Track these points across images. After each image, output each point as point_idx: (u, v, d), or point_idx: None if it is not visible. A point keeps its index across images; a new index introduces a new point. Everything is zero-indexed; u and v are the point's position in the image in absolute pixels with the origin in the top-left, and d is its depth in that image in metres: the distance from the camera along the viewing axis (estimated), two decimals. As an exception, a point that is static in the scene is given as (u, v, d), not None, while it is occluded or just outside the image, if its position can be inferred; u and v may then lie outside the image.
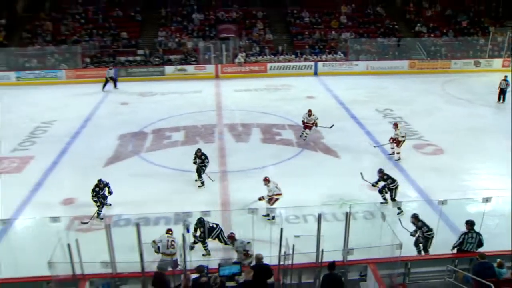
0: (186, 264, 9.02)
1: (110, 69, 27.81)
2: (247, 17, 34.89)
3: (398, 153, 16.88)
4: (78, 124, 21.22)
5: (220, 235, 11.15)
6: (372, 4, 36.93)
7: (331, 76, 30.13)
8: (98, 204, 13.09)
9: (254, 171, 15.90)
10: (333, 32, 34.12)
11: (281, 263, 8.93)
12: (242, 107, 23.46)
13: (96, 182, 13.17)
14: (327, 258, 9.14)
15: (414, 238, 10.82)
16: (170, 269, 9.50)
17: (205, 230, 11.07)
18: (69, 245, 8.90)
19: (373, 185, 13.51)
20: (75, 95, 26.35)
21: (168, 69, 30.09)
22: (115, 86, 27.42)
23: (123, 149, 18.23)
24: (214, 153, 17.37)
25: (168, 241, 10.41)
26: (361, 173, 13.98)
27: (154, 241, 10.45)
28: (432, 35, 34.30)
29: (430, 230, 10.57)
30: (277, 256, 8.92)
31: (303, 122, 18.48)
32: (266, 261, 9.04)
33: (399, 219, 11.60)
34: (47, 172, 16.32)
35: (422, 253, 10.77)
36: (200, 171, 14.85)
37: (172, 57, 31.27)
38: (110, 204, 13.56)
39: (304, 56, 31.71)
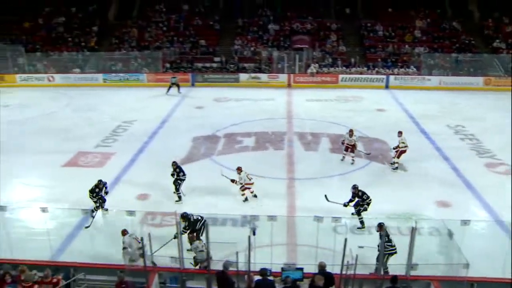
0: (249, 266, 9.05)
1: (173, 77, 28.63)
2: (321, 28, 34.74)
3: (396, 162, 16.49)
4: (156, 125, 22.00)
5: (203, 227, 11.02)
6: (448, 19, 35.60)
7: (403, 90, 29.29)
8: (97, 204, 13.30)
9: (321, 179, 15.75)
10: (407, 46, 33.21)
11: (344, 272, 8.76)
12: (313, 116, 23.32)
13: (96, 182, 13.42)
14: (390, 271, 8.86)
15: None
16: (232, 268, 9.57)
17: (190, 223, 11.27)
18: (142, 238, 9.20)
19: (345, 205, 12.74)
20: (154, 98, 27.41)
21: (243, 76, 30.52)
22: (179, 90, 28.10)
23: (196, 151, 18.67)
24: (282, 160, 17.38)
25: (203, 246, 10.20)
26: (325, 195, 13.15)
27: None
28: (511, 52, 32.51)
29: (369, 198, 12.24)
30: (340, 265, 8.77)
31: (343, 142, 17.33)
32: (328, 269, 8.91)
33: (325, 195, 12.87)
34: (126, 168, 17.02)
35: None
36: (176, 184, 14.47)
37: (246, 65, 31.71)
38: (107, 209, 13.14)
39: (376, 69, 31.09)
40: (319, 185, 15.29)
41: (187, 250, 10.49)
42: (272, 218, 10.66)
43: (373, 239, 10.74)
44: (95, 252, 11.07)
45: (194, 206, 13.47)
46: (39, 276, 9.18)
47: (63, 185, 15.84)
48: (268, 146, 19.22)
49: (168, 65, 31.64)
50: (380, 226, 10.18)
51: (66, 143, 19.79)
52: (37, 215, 12.35)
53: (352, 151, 17.02)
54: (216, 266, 9.44)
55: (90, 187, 13.40)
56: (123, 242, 10.42)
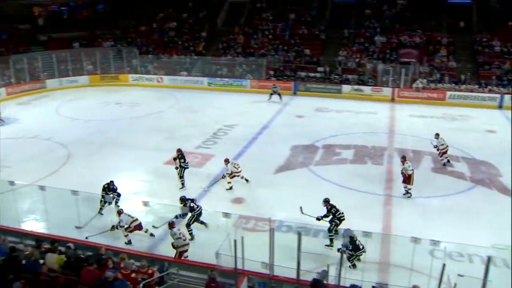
0: (339, 280, 8.90)
1: (274, 86, 28.85)
2: (431, 42, 33.33)
3: (410, 189, 15.24)
4: (256, 130, 22.43)
5: (197, 216, 12.71)
6: None
7: (519, 111, 27.22)
8: (102, 204, 13.77)
9: (419, 199, 15.09)
10: (527, 63, 30.79)
11: (440, 300, 8.32)
12: (415, 133, 22.40)
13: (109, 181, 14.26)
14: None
15: None
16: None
17: (190, 207, 12.59)
18: (235, 241, 9.39)
19: (317, 219, 12.31)
20: (256, 104, 27.96)
21: (345, 88, 30.15)
22: (280, 98, 28.29)
23: (294, 159, 18.74)
24: (381, 176, 16.90)
25: (180, 233, 11.52)
26: (300, 207, 12.69)
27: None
28: None
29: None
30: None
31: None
32: (423, 294, 8.50)
33: (300, 207, 12.52)
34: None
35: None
36: (180, 172, 15.91)
37: (350, 76, 31.27)
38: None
39: (489, 87, 29.15)
40: (416, 205, 14.68)
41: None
42: (366, 234, 10.40)
43: (475, 268, 10.08)
44: (189, 249, 11.50)
45: (287, 214, 13.52)
46: (136, 266, 9.72)
47: (163, 182, 16.69)
48: (367, 160, 18.78)
49: (271, 72, 32.14)
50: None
51: (170, 141, 20.82)
52: (138, 207, 13.17)
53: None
54: (305, 276, 9.37)
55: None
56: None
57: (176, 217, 12.65)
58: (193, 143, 20.61)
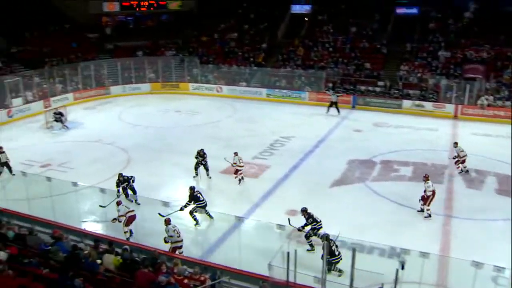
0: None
1: (333, 94, 28.68)
2: (499, 58, 31.96)
3: (428, 209, 14.73)
4: (313, 143, 22.30)
5: (202, 207, 14.15)
6: None
7: None
8: (118, 194, 14.65)
9: (482, 222, 14.45)
10: None
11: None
12: (479, 152, 21.45)
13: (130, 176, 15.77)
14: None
15: None
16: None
17: (191, 197, 13.95)
18: (288, 254, 9.33)
19: (299, 230, 12.55)
20: (314, 116, 27.83)
21: (406, 103, 29.44)
22: (338, 111, 28.00)
23: (350, 174, 18.48)
24: (441, 195, 16.31)
25: (174, 230, 12.13)
26: (288, 219, 12.70)
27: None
28: None
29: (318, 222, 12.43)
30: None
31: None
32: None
33: (288, 218, 12.67)
34: (279, 182, 17.54)
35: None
36: (196, 166, 17.85)
37: (411, 91, 30.53)
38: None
39: (562, 106, 27.59)
40: (478, 227, 14.08)
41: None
42: (424, 254, 10.08)
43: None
44: (242, 259, 11.53)
45: (340, 227, 13.30)
46: (189, 272, 9.86)
47: (219, 191, 16.90)
48: (427, 178, 18.20)
49: (330, 85, 31.92)
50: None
51: (227, 150, 20.97)
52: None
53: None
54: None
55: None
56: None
57: (181, 209, 13.87)
58: (250, 153, 20.75)
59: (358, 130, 24.99)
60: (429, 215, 14.72)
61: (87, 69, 34.40)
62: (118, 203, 13.34)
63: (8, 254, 9.83)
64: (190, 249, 12.54)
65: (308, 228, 12.62)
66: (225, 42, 38.73)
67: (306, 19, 38.85)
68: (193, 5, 43.15)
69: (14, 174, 17.78)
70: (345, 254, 11.78)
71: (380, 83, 31.57)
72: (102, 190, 13.12)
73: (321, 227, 12.64)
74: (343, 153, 20.87)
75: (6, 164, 18.42)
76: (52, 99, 30.66)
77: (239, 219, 12.46)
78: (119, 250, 11.01)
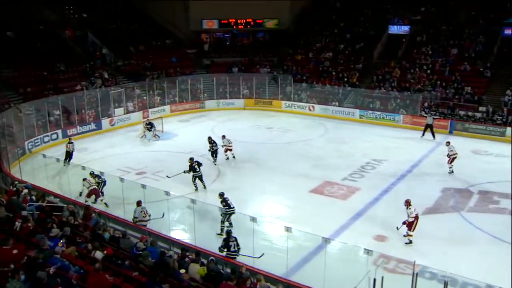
0: None
1: (430, 115, 27.62)
2: None
3: (410, 236, 14.34)
4: (405, 168, 21.55)
5: (198, 177, 18.52)
6: None
7: None
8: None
9: None
10: None
11: None
12: None
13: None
14: None
15: None
16: None
17: (191, 167, 18.34)
18: (374, 280, 9.08)
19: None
20: (408, 140, 26.89)
21: (510, 130, 27.54)
22: (433, 136, 26.77)
23: (444, 203, 17.60)
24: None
25: (142, 211, 14.14)
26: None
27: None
28: None
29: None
30: None
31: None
32: None
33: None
34: (368, 205, 17.13)
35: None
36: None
37: (517, 119, 28.59)
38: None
39: None
40: None
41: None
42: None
43: None
44: (325, 280, 11.35)
45: (432, 259, 12.70)
46: (272, 289, 9.90)
47: (306, 210, 16.84)
48: (531, 213, 16.89)
49: (425, 104, 30.71)
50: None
51: (316, 170, 21.02)
52: (280, 232, 13.43)
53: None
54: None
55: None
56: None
57: (184, 171, 18.63)
58: (340, 174, 20.53)
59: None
60: (410, 242, 14.34)
61: (184, 83, 36.03)
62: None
63: (104, 254, 10.46)
64: (274, 267, 12.54)
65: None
66: (320, 61, 38.77)
67: (404, 40, 37.90)
68: (289, 24, 43.74)
69: (68, 164, 20.67)
70: (436, 287, 11.27)
71: (482, 108, 29.83)
72: (193, 201, 13.55)
73: (233, 213, 14.62)
74: (437, 180, 19.95)
75: (68, 154, 21.74)
76: (150, 110, 32.46)
77: (326, 240, 12.28)
78: (205, 261, 11.30)
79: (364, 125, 30.58)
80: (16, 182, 17.04)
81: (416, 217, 14.46)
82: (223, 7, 40.76)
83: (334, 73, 36.79)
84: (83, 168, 17.37)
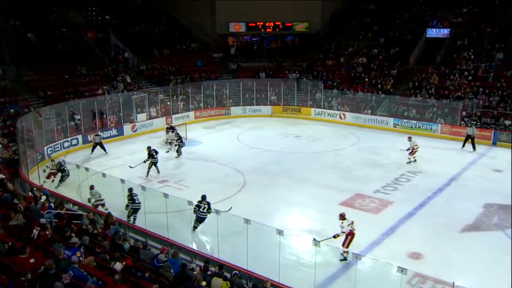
0: None
1: (469, 126, 27.15)
2: None
3: (345, 252, 14.05)
4: (442, 181, 21.14)
5: (154, 163, 21.84)
6: None
7: None
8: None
9: None
10: None
11: None
12: None
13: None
14: None
15: None
16: None
17: (150, 154, 21.67)
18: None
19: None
20: (446, 151, 26.40)
21: (560, 143, 26.79)
22: (474, 147, 26.21)
23: (486, 220, 17.16)
24: None
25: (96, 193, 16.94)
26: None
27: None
28: None
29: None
30: None
31: None
32: None
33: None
34: (402, 220, 16.87)
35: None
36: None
37: None
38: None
39: None
40: None
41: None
42: None
43: None
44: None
45: (472, 280, 12.40)
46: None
47: (336, 223, 16.62)
48: None
49: (466, 119, 30.14)
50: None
51: (346, 182, 20.84)
52: (307, 246, 13.34)
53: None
54: None
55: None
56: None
57: (144, 161, 21.54)
58: (371, 186, 20.30)
59: (498, 170, 23.15)
60: (345, 258, 14.10)
61: (209, 88, 36.31)
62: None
63: (124, 265, 10.55)
64: (300, 282, 12.45)
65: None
66: (352, 67, 38.58)
67: (443, 44, 37.38)
68: (320, 27, 43.71)
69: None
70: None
71: (530, 117, 29.12)
72: (216, 212, 13.58)
73: (139, 208, 16.09)
74: (479, 195, 19.48)
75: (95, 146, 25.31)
76: (174, 116, 32.79)
77: (356, 256, 12.15)
78: (228, 275, 11.30)
79: (398, 135, 30.10)
80: (34, 189, 17.39)
81: (351, 233, 14.16)
82: (250, 9, 41.12)
83: (367, 79, 36.54)
84: (104, 175, 17.62)
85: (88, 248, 11.48)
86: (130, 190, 16.34)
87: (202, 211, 15.26)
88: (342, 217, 14.43)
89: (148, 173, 21.71)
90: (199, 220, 15.42)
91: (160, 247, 13.23)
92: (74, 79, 32.89)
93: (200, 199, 15.50)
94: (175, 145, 25.41)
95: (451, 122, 30.15)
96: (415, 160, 23.52)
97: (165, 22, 43.75)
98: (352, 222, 14.26)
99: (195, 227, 15.60)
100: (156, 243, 14.26)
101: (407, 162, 23.35)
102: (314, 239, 12.90)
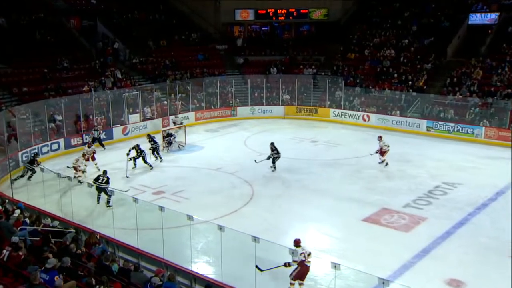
0: None
1: None
2: None
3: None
4: (487, 195, 20.91)
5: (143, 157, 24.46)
6: None
7: None
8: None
9: None
10: None
11: None
12: None
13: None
14: None
15: None
16: None
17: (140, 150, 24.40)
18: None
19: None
20: (492, 159, 26.15)
21: None
22: None
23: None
24: None
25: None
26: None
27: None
28: None
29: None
30: None
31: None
32: None
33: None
34: (437, 241, 16.67)
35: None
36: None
37: None
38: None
39: None
40: None
41: None
42: None
43: None
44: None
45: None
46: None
47: (358, 242, 16.57)
48: None
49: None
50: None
51: (371, 194, 20.72)
52: (325, 269, 13.23)
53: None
54: None
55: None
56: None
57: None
58: (400, 199, 20.17)
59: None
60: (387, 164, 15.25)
61: (213, 85, 36.46)
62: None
63: (112, 291, 10.50)
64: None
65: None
66: (378, 61, 38.52)
67: (490, 31, 37.06)
68: (341, 15, 43.72)
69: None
70: None
71: None
72: (221, 228, 13.52)
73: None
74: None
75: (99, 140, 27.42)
76: (171, 117, 32.83)
77: (383, 282, 12.00)
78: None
79: (433, 140, 30.07)
80: (6, 201, 17.39)
81: (301, 264, 13.19)
82: (260, -6, 41.33)
83: (395, 75, 36.47)
84: (90, 185, 17.63)
85: (69, 271, 11.41)
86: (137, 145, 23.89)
87: (100, 182, 19.24)
88: (297, 243, 13.52)
89: (135, 165, 24.48)
90: (98, 189, 19.26)
91: (155, 269, 13.16)
92: (54, 74, 33.01)
93: (101, 173, 19.85)
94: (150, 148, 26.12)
95: (498, 125, 29.89)
96: (387, 164, 24.34)
97: (162, 9, 43.92)
98: (309, 254, 13.31)
99: (98, 198, 19.46)
100: (149, 264, 14.18)
101: (379, 163, 24.57)
102: (257, 266, 12.97)
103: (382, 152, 24.48)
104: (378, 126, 33.02)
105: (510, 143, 27.10)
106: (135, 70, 37.23)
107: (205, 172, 23.99)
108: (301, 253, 13.24)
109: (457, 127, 30.74)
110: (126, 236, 15.95)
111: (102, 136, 28.81)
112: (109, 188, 19.20)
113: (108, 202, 19.21)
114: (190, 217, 14.19)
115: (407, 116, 33.14)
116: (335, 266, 11.91)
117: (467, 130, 30.44)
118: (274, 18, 44.24)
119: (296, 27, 46.06)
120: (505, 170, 24.05)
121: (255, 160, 24.02)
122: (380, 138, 24.88)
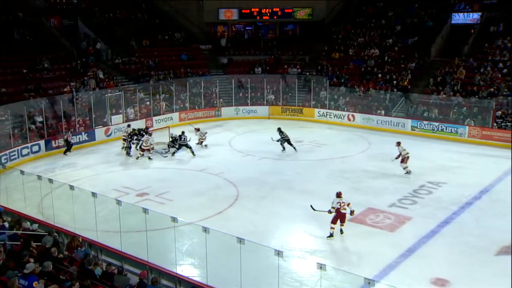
0: None
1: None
2: None
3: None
4: (471, 193, 21.06)
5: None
6: None
7: None
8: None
9: None
10: None
11: None
12: None
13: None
14: None
15: None
16: None
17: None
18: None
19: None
20: (476, 158, 26.41)
21: None
22: None
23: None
24: None
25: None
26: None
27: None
28: None
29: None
30: None
31: None
32: None
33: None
34: (423, 240, 16.75)
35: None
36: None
37: None
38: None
39: None
40: None
41: None
42: None
43: None
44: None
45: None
46: None
47: (345, 243, 16.60)
48: None
49: (500, 119, 30.07)
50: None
51: (356, 194, 20.71)
52: (311, 270, 13.24)
53: None
54: None
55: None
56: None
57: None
58: (386, 199, 20.25)
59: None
60: (331, 235, 16.44)
61: (197, 86, 36.44)
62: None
63: (95, 295, 10.41)
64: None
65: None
66: (362, 60, 38.66)
67: (472, 31, 37.37)
68: (325, 14, 43.88)
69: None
70: None
71: None
72: (205, 230, 13.47)
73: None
74: (516, 210, 19.43)
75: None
76: (154, 118, 32.81)
77: (369, 282, 12.03)
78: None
79: (417, 139, 30.16)
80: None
81: (339, 212, 16.56)
82: (244, -7, 41.34)
83: (380, 74, 36.64)
84: (71, 188, 17.46)
85: (51, 275, 11.31)
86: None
87: (183, 141, 25.73)
88: (338, 195, 16.96)
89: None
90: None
91: (139, 272, 13.08)
92: (34, 74, 32.69)
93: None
94: (133, 142, 26.66)
95: (482, 124, 30.12)
96: (409, 171, 23.40)
97: (144, 8, 43.74)
98: (348, 204, 16.75)
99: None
100: (133, 267, 14.09)
101: (405, 173, 23.38)
102: (311, 206, 17.33)
103: (403, 159, 23.37)
104: (363, 126, 33.22)
105: (493, 142, 27.48)
106: (118, 71, 37.01)
107: (189, 174, 23.92)
108: (338, 202, 16.60)
109: (441, 126, 30.93)
110: (109, 239, 15.82)
111: (83, 138, 28.74)
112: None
113: (192, 152, 26.55)
114: (174, 219, 14.13)
115: (392, 116, 33.31)
116: (321, 266, 11.90)
117: (451, 129, 30.65)
118: (258, 18, 44.22)
119: (281, 26, 46.13)
120: (489, 169, 24.46)
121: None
122: (398, 144, 23.70)
